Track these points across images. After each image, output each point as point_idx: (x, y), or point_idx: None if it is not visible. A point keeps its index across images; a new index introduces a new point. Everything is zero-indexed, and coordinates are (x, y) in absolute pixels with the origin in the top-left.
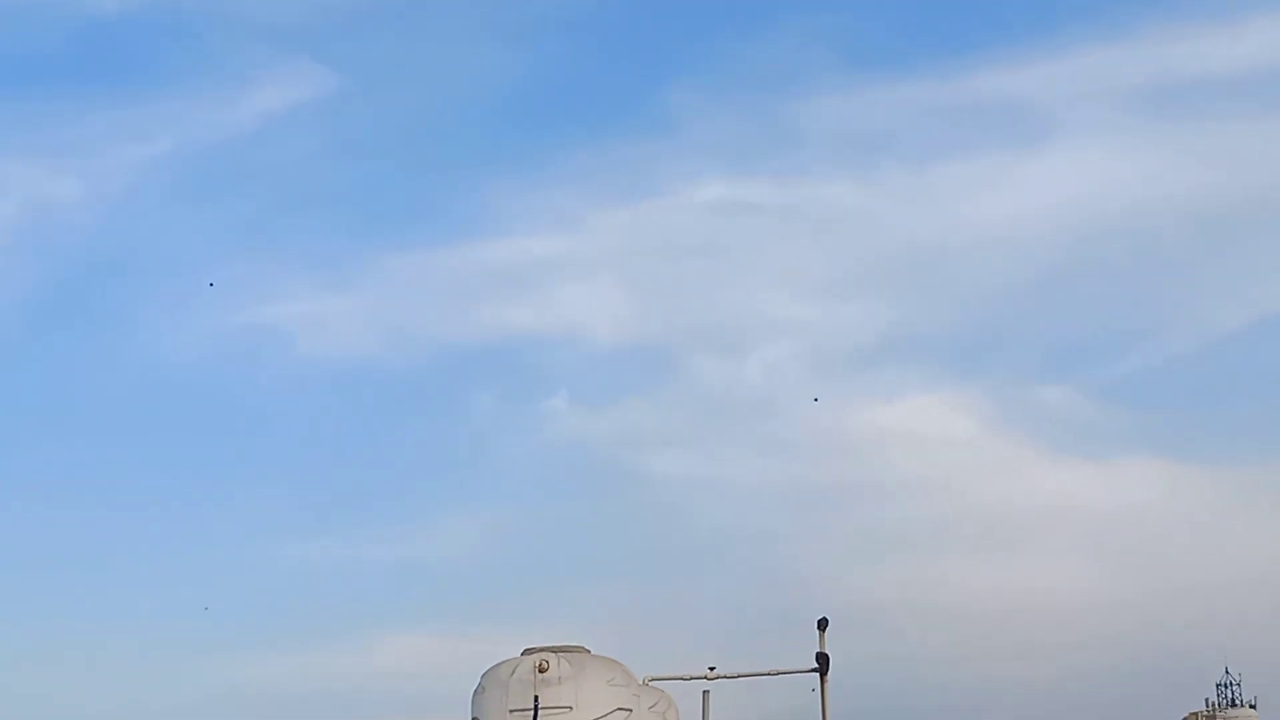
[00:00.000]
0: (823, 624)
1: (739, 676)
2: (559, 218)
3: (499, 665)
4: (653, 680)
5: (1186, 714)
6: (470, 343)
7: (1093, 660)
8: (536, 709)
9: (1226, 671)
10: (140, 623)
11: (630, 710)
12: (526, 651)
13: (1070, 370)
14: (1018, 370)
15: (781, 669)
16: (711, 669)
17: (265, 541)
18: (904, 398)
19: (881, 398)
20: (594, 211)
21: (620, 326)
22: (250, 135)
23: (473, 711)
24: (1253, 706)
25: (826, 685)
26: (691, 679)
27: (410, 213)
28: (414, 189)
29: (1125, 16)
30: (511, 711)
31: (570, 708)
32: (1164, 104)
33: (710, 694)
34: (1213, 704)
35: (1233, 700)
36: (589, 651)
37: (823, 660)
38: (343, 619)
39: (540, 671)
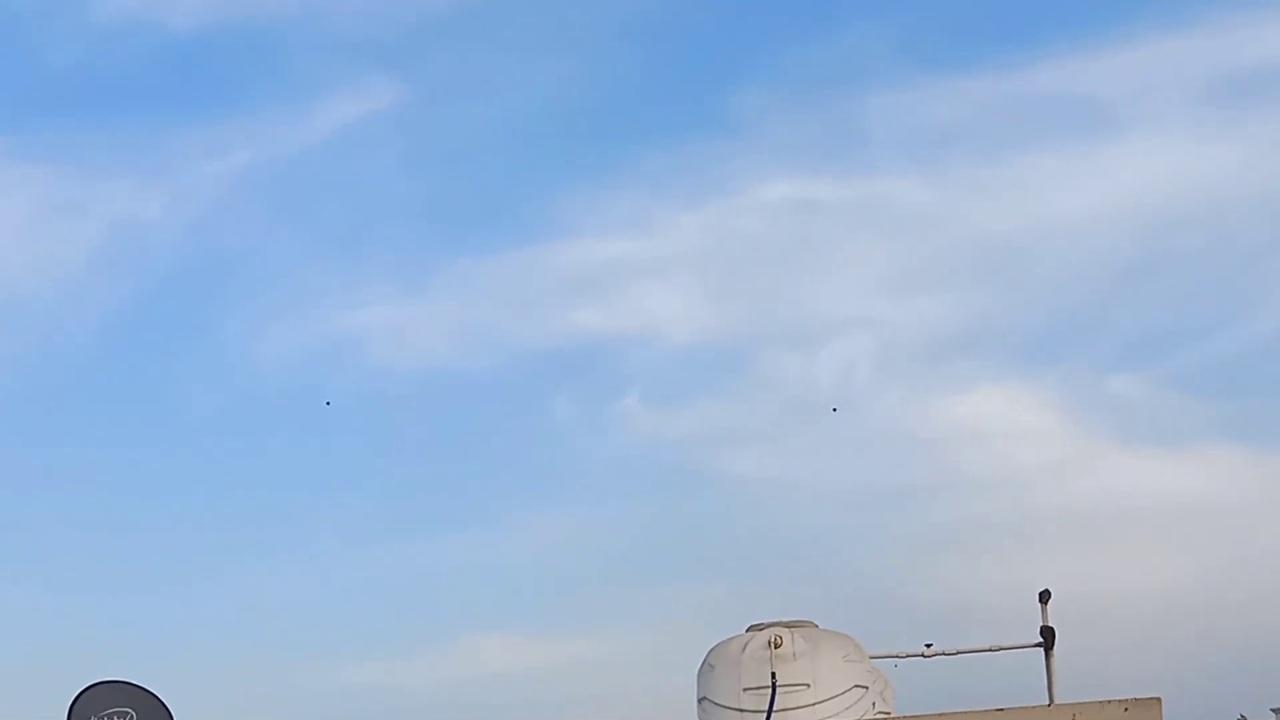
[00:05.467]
0: (1044, 596)
1: (957, 653)
2: (630, 219)
3: (728, 641)
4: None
5: None
6: (545, 345)
7: (1181, 663)
8: (774, 687)
9: None
10: (236, 630)
11: (866, 688)
12: (753, 627)
13: (1147, 359)
14: (1094, 361)
15: (1003, 644)
16: (928, 645)
17: (350, 547)
18: (977, 391)
19: (954, 392)
20: (664, 212)
21: (691, 325)
22: (323, 147)
23: (700, 691)
24: None
25: (1052, 659)
26: (907, 656)
27: (483, 219)
28: (486, 195)
29: (1195, 4)
30: (745, 690)
31: (808, 684)
32: (1237, 93)
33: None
34: None
35: None
36: (818, 626)
37: (1047, 634)
38: (433, 622)
39: (774, 647)
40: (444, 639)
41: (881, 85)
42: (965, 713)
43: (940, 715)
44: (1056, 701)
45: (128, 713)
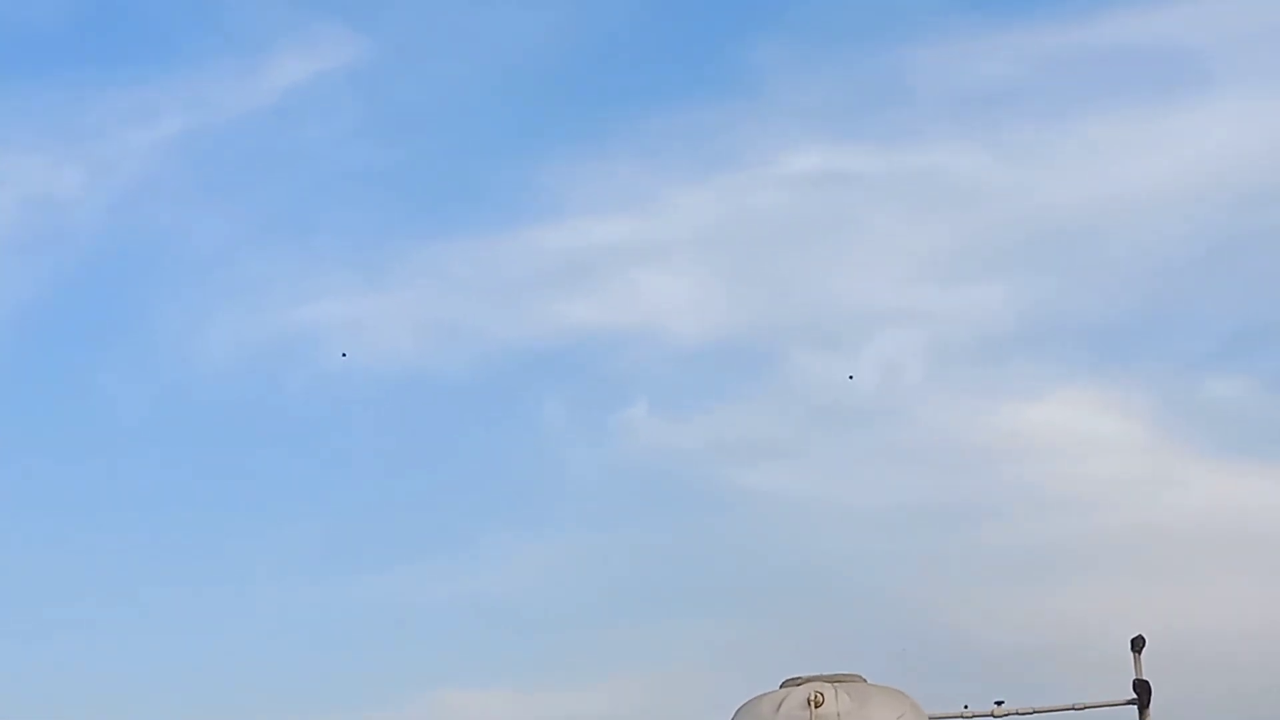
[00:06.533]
0: (1137, 644)
1: (1035, 713)
2: (629, 196)
3: (759, 700)
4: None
5: None
6: (530, 343)
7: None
8: None
9: None
10: (151, 682)
11: None
12: (788, 682)
13: (1245, 356)
14: (1182, 358)
15: (1090, 702)
16: (999, 703)
17: (299, 580)
18: (1045, 395)
19: (1018, 396)
20: (669, 188)
21: (702, 320)
22: (270, 111)
23: None
24: None
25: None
26: (975, 717)
27: (456, 195)
28: (459, 168)
29: None
30: None
31: None
32: None
33: None
34: None
35: None
36: (865, 680)
37: (1142, 689)
38: (395, 673)
39: (815, 706)
40: (408, 694)
41: (926, 37)
42: None
43: None
44: None
45: None
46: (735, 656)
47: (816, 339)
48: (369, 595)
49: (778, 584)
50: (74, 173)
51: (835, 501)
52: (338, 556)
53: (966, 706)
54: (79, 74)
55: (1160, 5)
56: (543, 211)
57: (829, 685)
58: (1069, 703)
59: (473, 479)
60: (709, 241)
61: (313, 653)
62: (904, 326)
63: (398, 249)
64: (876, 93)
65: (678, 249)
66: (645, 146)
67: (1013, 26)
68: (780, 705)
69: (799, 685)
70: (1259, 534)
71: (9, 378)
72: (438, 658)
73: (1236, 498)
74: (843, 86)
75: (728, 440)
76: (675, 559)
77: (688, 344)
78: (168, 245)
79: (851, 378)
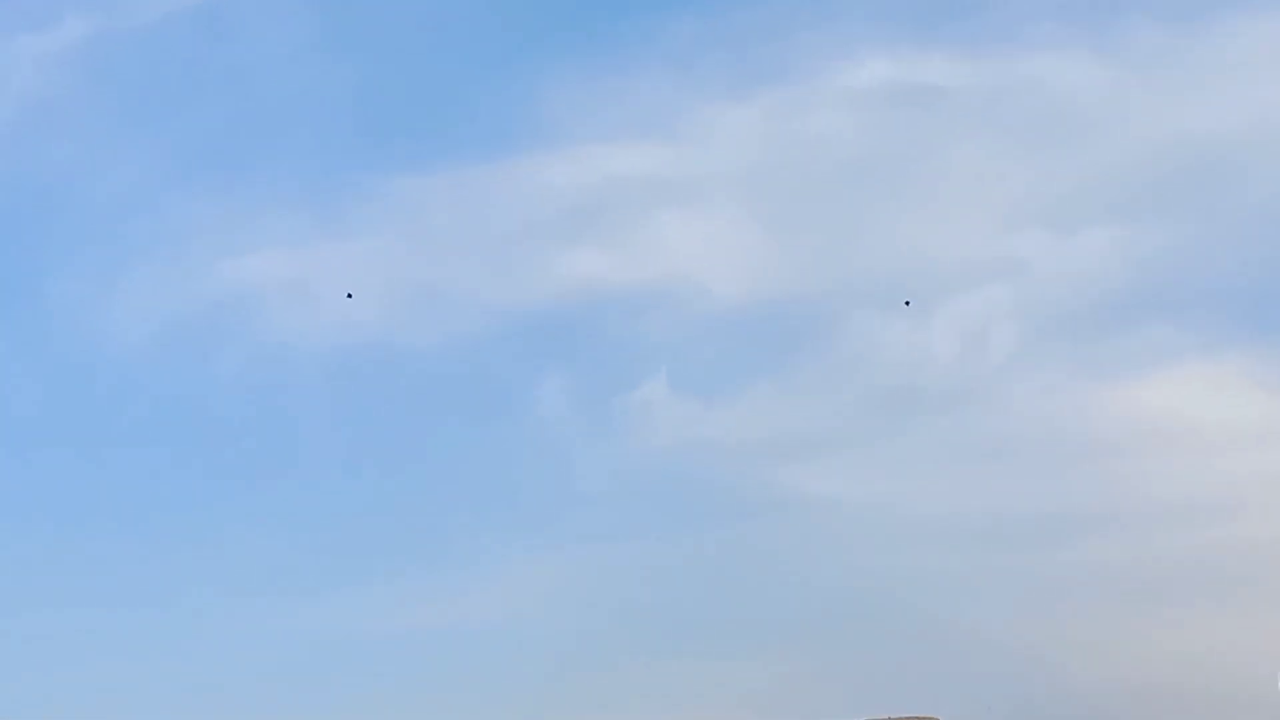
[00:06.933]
0: None
1: None
2: (652, 119)
3: None
4: None
5: None
6: (525, 306)
7: None
8: None
9: None
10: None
11: None
12: None
13: None
14: None
15: None
16: None
17: (244, 604)
18: (1169, 371)
19: (1133, 372)
20: (703, 108)
21: (741, 277)
22: (197, 16)
23: None
24: None
25: None
26: None
27: (431, 121)
28: (437, 87)
29: None
30: None
31: None
32: None
33: None
34: None
35: None
36: None
37: None
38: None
39: None
40: None
41: None
42: None
43: None
44: None
45: None
46: (780, 698)
47: (882, 301)
48: (326, 622)
49: (833, 610)
50: None
51: (904, 508)
52: (283, 574)
53: None
54: None
55: None
56: (542, 139)
57: None
58: None
59: (452, 479)
60: (751, 176)
61: (263, 689)
62: (992, 285)
63: (357, 188)
64: None
65: (712, 186)
66: (672, 56)
67: None
68: None
69: None
70: None
71: None
72: (414, 693)
73: None
74: None
75: (770, 430)
76: (704, 579)
77: (722, 307)
78: (64, 187)
79: (908, 303)
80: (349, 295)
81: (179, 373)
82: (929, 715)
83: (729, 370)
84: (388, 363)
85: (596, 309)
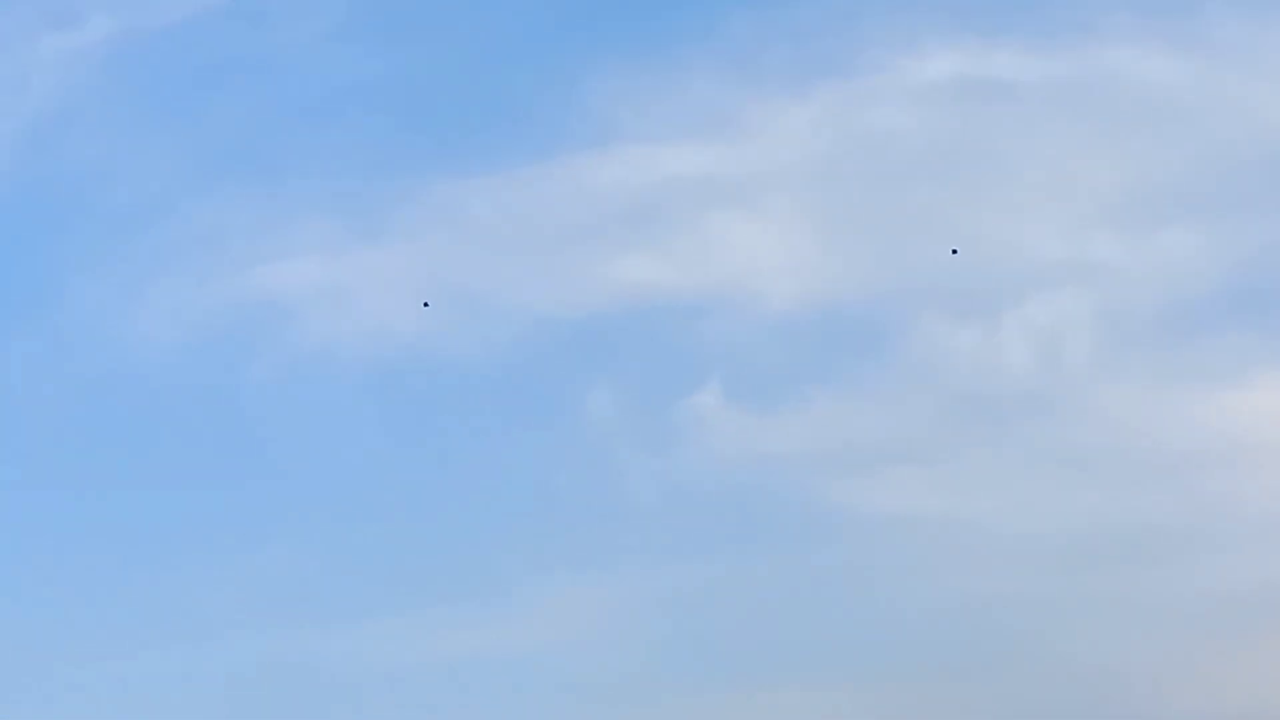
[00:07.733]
0: None
1: None
2: (706, 117)
3: None
4: None
5: None
6: (571, 313)
7: None
8: None
9: None
10: None
11: None
12: None
13: None
14: None
15: None
16: None
17: (273, 627)
18: (1265, 378)
19: (1225, 379)
20: (759, 105)
21: (800, 281)
22: (227, 14)
23: None
24: None
25: None
26: None
27: (473, 120)
28: (478, 84)
29: None
30: None
31: None
32: None
33: None
34: None
35: None
36: None
37: None
38: None
39: None
40: None
41: None
42: None
43: None
44: None
45: None
46: None
47: (953, 306)
48: (355, 649)
49: (904, 637)
50: None
51: (981, 525)
52: (316, 596)
53: None
54: None
55: None
56: (590, 138)
57: None
58: None
59: (495, 497)
60: (811, 176)
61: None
62: (1070, 287)
63: (395, 190)
64: None
65: (770, 187)
66: (729, 50)
67: None
68: None
69: None
70: None
71: None
72: None
73: None
74: None
75: (832, 442)
76: (763, 604)
77: (781, 312)
78: (89, 191)
79: (955, 251)
80: (425, 304)
81: (208, 384)
82: None
83: (786, 379)
84: (426, 373)
85: (648, 316)
